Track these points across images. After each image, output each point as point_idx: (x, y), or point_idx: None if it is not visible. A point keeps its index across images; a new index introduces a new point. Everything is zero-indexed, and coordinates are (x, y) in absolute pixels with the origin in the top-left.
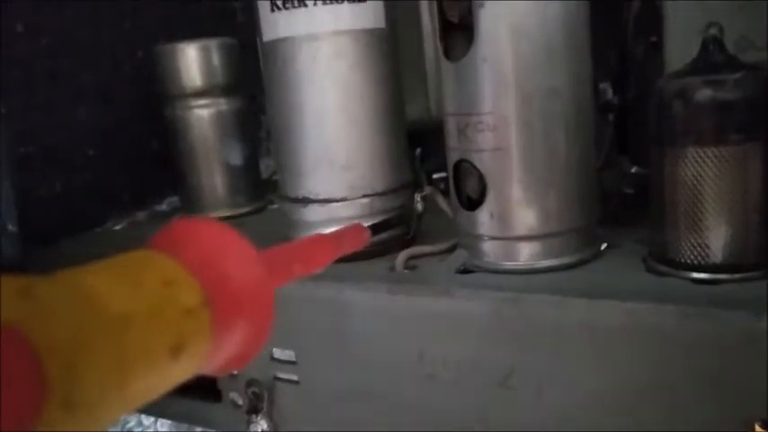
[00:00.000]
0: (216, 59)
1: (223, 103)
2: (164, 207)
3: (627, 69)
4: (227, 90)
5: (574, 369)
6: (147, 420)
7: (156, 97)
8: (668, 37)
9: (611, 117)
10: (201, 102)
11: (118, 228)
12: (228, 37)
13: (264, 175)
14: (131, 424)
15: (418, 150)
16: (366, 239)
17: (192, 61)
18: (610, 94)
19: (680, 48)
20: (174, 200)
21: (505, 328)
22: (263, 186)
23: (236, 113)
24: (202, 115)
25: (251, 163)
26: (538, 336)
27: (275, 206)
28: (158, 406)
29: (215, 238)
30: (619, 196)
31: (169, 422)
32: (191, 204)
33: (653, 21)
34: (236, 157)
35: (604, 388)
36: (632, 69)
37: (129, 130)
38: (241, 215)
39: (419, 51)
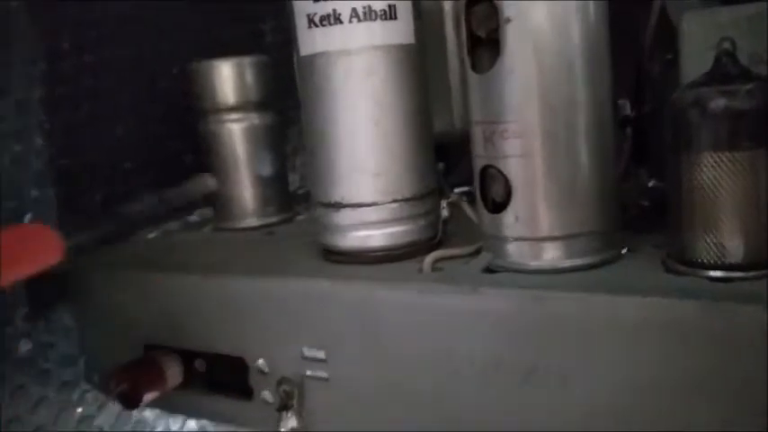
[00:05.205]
0: (249, 76)
1: (255, 118)
2: (195, 218)
3: (644, 86)
4: (259, 105)
5: (596, 364)
6: (175, 425)
7: (190, 113)
8: (683, 53)
9: (629, 131)
10: (234, 116)
11: (151, 236)
12: (261, 54)
13: (290, 188)
14: (159, 429)
15: (441, 164)
16: (59, 249)
17: (227, 77)
18: (628, 109)
19: (694, 64)
20: (204, 211)
21: (530, 325)
22: (291, 198)
23: (268, 128)
24: (235, 129)
25: (280, 175)
26: (561, 332)
27: (302, 216)
28: (190, 404)
29: None
30: (637, 208)
31: (196, 426)
32: (223, 214)
33: (669, 39)
34: (267, 169)
35: (626, 382)
36: (649, 86)
37: (164, 145)
38: (270, 224)
39: (443, 67)
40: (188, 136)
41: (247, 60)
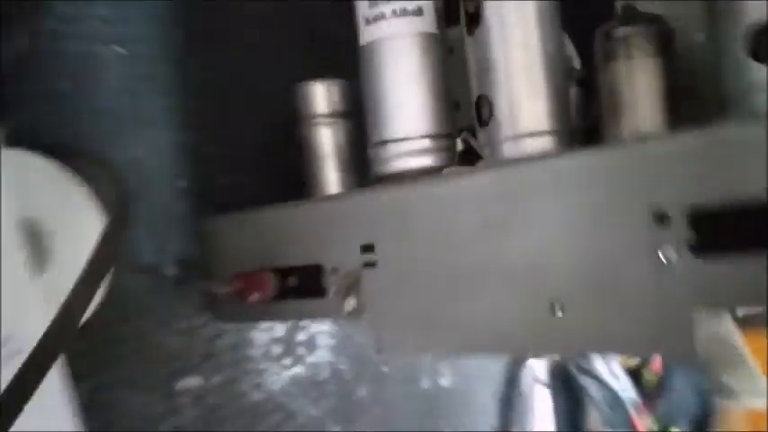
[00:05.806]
0: (335, 92)
1: (340, 123)
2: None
3: None
4: (343, 114)
5: (550, 214)
6: (275, 369)
7: (288, 125)
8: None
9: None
10: (326, 121)
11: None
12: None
13: None
14: (262, 366)
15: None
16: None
17: (321, 93)
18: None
19: None
20: None
21: (503, 191)
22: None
23: (349, 131)
24: (326, 131)
25: (359, 167)
26: (524, 192)
27: None
28: (280, 310)
29: None
30: None
31: (290, 375)
32: (314, 193)
33: None
34: (349, 162)
35: (569, 224)
36: None
37: (271, 146)
38: None
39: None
40: (287, 141)
41: (334, 81)
